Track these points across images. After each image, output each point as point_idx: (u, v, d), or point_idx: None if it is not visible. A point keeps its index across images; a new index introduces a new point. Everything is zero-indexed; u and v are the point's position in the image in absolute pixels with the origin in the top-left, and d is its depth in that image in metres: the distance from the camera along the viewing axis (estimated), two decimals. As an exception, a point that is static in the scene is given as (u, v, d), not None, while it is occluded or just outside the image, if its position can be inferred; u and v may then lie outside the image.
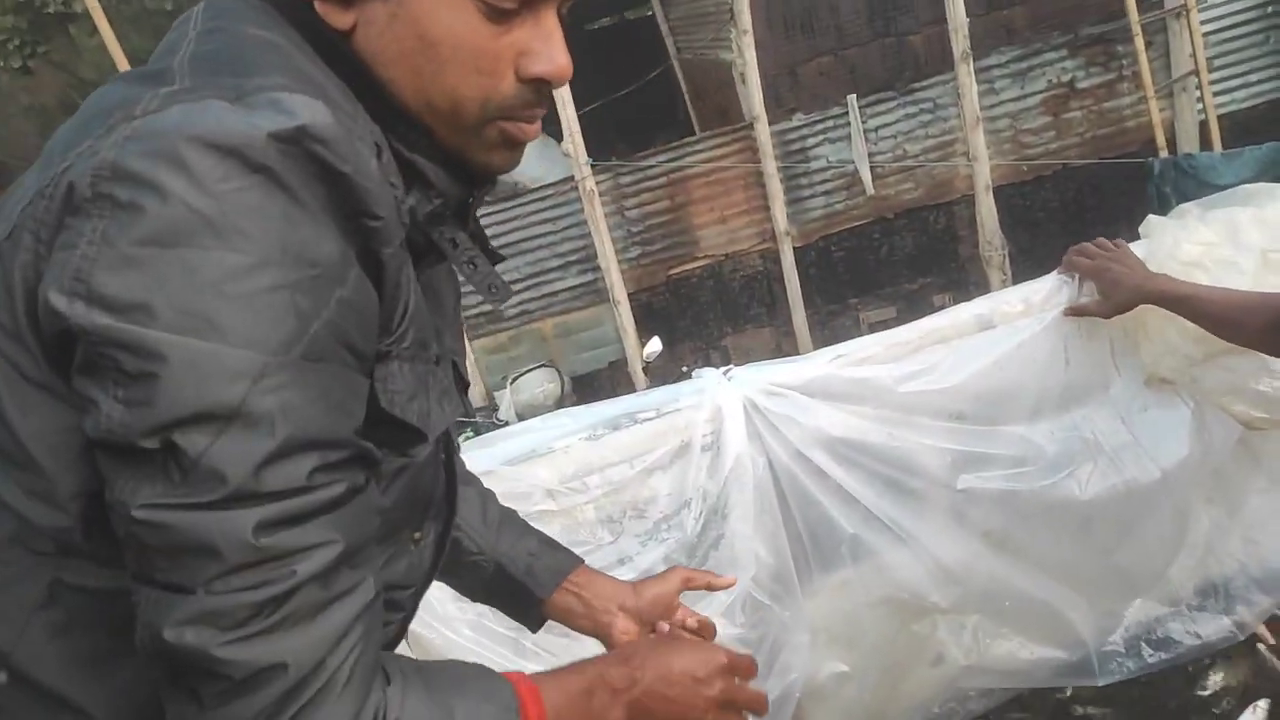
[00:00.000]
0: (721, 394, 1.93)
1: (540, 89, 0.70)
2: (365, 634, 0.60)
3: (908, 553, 1.88)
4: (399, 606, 0.81)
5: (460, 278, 0.81)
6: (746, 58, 6.51)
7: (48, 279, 0.55)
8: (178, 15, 0.71)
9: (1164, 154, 6.32)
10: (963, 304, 1.85)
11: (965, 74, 6.45)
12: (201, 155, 0.54)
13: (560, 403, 6.95)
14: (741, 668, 0.90)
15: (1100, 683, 1.92)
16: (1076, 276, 1.72)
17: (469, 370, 7.00)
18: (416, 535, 0.80)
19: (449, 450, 0.85)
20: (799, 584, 1.99)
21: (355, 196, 0.59)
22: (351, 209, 0.59)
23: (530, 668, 1.78)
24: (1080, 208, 6.99)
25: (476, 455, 2.00)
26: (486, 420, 7.04)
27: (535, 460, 1.90)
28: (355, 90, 0.67)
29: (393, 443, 0.69)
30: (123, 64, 5.93)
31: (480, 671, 0.73)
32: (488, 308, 7.26)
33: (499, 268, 0.80)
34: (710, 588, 1.19)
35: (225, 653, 0.54)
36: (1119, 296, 1.62)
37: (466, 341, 7.19)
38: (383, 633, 0.75)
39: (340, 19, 0.67)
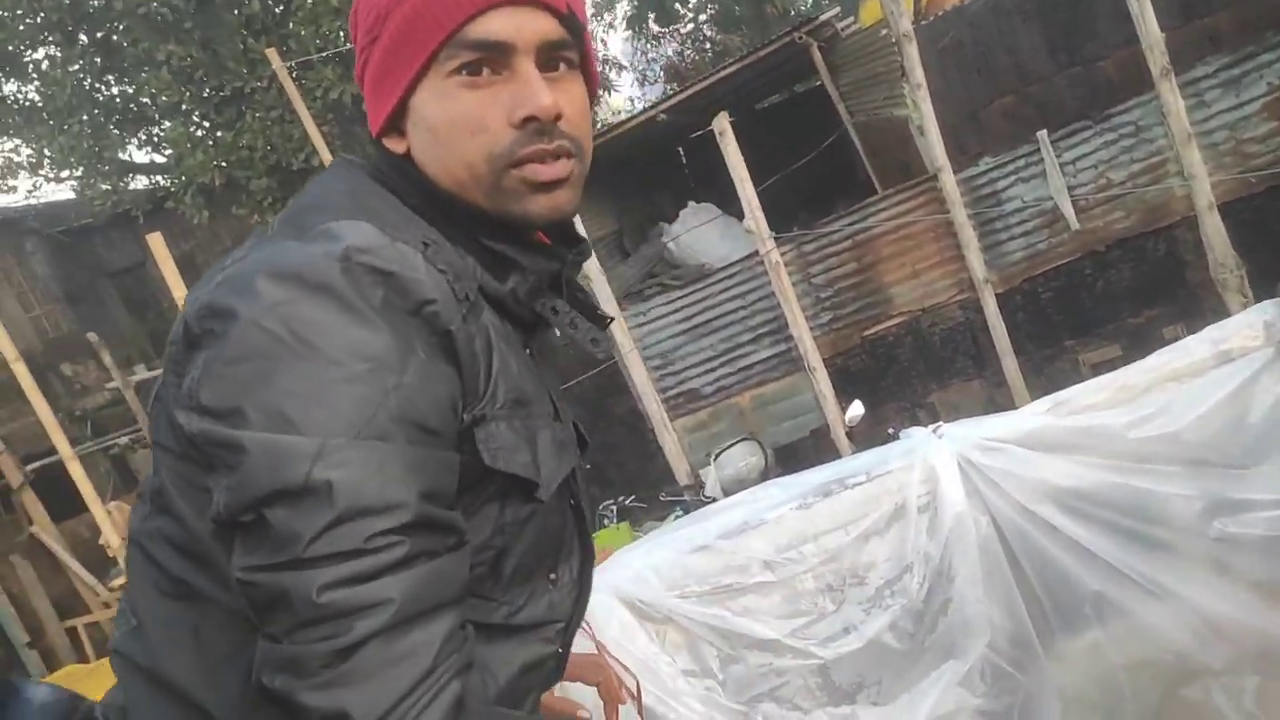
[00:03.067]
0: (933, 453, 1.89)
1: (538, 129, 0.78)
2: (436, 686, 0.66)
3: (1164, 609, 1.73)
4: (549, 640, 0.87)
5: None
6: (923, 111, 6.41)
7: (174, 402, 0.70)
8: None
9: None
10: (1190, 337, 1.73)
11: (1168, 91, 6.01)
12: (268, 284, 0.67)
13: (765, 475, 6.90)
14: None
15: None
16: None
17: (673, 450, 7.03)
18: (552, 576, 0.87)
19: (576, 496, 0.90)
20: (1041, 648, 1.87)
21: (408, 290, 0.69)
22: (409, 302, 0.69)
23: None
24: (1329, 214, 6.24)
25: (690, 531, 2.06)
26: (694, 499, 7.11)
27: (749, 532, 1.93)
28: (432, 214, 0.80)
29: (515, 493, 0.78)
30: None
31: None
32: (684, 388, 7.42)
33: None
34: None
35: (302, 698, 0.63)
36: None
37: (667, 422, 7.34)
38: (533, 675, 0.84)
39: (398, 145, 0.82)
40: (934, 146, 6.46)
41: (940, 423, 1.99)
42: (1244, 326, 1.65)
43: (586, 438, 0.96)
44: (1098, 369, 6.90)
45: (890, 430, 6.15)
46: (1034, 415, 1.94)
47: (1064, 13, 7.20)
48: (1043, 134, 6.49)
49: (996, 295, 6.64)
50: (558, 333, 0.89)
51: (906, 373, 7.09)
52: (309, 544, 0.63)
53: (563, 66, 0.81)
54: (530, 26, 0.77)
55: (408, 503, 0.66)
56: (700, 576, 1.87)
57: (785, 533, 1.88)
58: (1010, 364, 6.61)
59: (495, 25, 0.76)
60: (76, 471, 6.44)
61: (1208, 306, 6.52)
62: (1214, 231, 6.17)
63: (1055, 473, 1.82)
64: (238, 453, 0.64)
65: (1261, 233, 6.35)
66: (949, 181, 6.50)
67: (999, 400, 6.84)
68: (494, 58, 0.77)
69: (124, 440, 9.03)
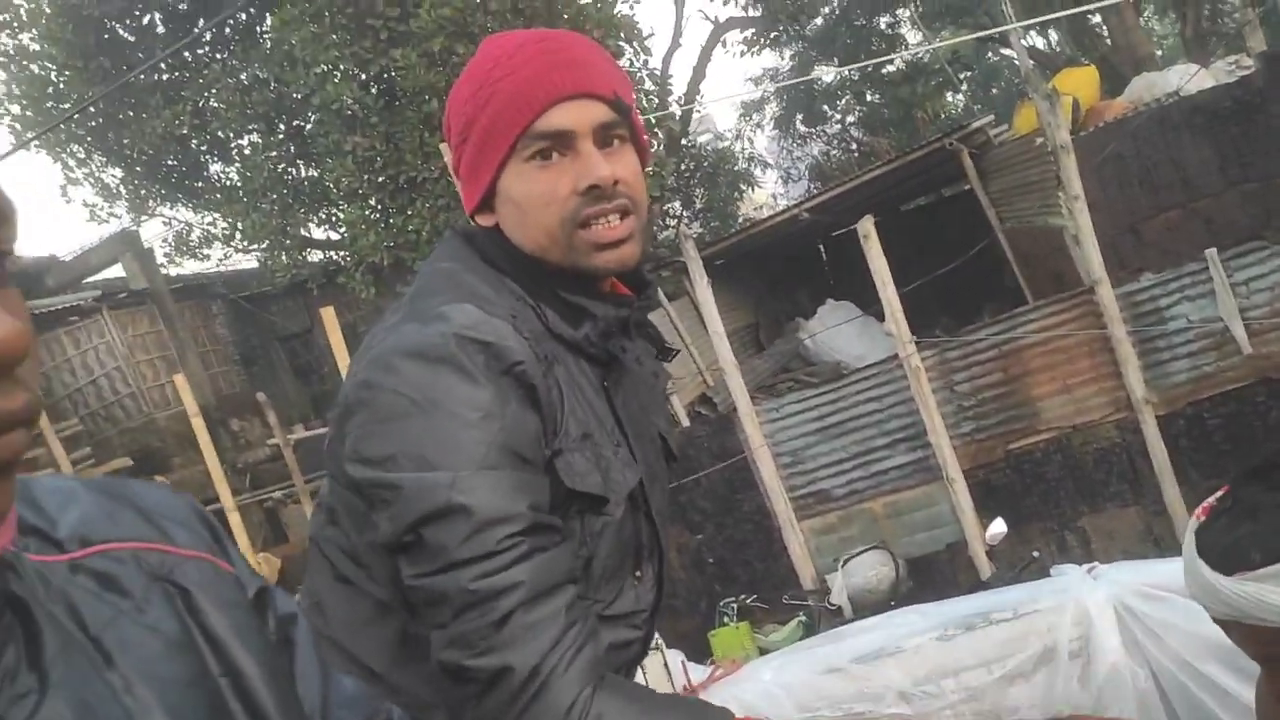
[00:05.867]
0: (1087, 595, 1.80)
1: (599, 194, 0.95)
2: (574, 646, 0.84)
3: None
4: (637, 627, 1.05)
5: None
6: (1079, 221, 6.24)
7: (341, 453, 0.91)
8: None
9: None
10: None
11: (1357, 212, 5.62)
12: (401, 360, 0.88)
13: (895, 587, 6.63)
14: None
15: None
16: None
17: (799, 552, 6.86)
18: (637, 574, 1.05)
19: (648, 509, 1.06)
20: (1207, 824, 1.72)
21: (502, 355, 0.89)
22: (503, 364, 0.89)
23: None
24: None
25: (823, 651, 2.03)
26: (819, 604, 6.87)
27: (885, 659, 1.88)
28: (518, 274, 0.99)
29: (589, 509, 0.96)
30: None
31: (702, 703, 0.88)
32: (814, 489, 7.27)
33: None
34: None
35: (471, 663, 0.82)
36: None
37: (794, 522, 7.19)
38: (622, 653, 1.02)
39: (488, 220, 1.02)
40: (1090, 258, 6.24)
41: (1095, 563, 1.91)
42: None
43: (675, 452, 1.15)
44: (1273, 505, 6.30)
45: (1035, 553, 5.83)
46: (1202, 564, 1.83)
47: (1236, 128, 6.90)
48: (1212, 252, 6.16)
49: (1157, 417, 6.25)
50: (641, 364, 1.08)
51: (1054, 492, 6.71)
52: (455, 550, 0.83)
53: (616, 142, 0.99)
54: (586, 114, 0.95)
55: (521, 513, 0.86)
56: (832, 700, 1.84)
57: (924, 664, 1.83)
58: (1171, 492, 6.17)
59: (557, 118, 0.95)
60: (235, 521, 6.91)
61: (1406, 446, 5.91)
62: None
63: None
64: (394, 490, 0.85)
65: None
66: (1107, 295, 6.24)
67: (1158, 531, 6.36)
68: (560, 143, 0.95)
69: (278, 495, 9.62)
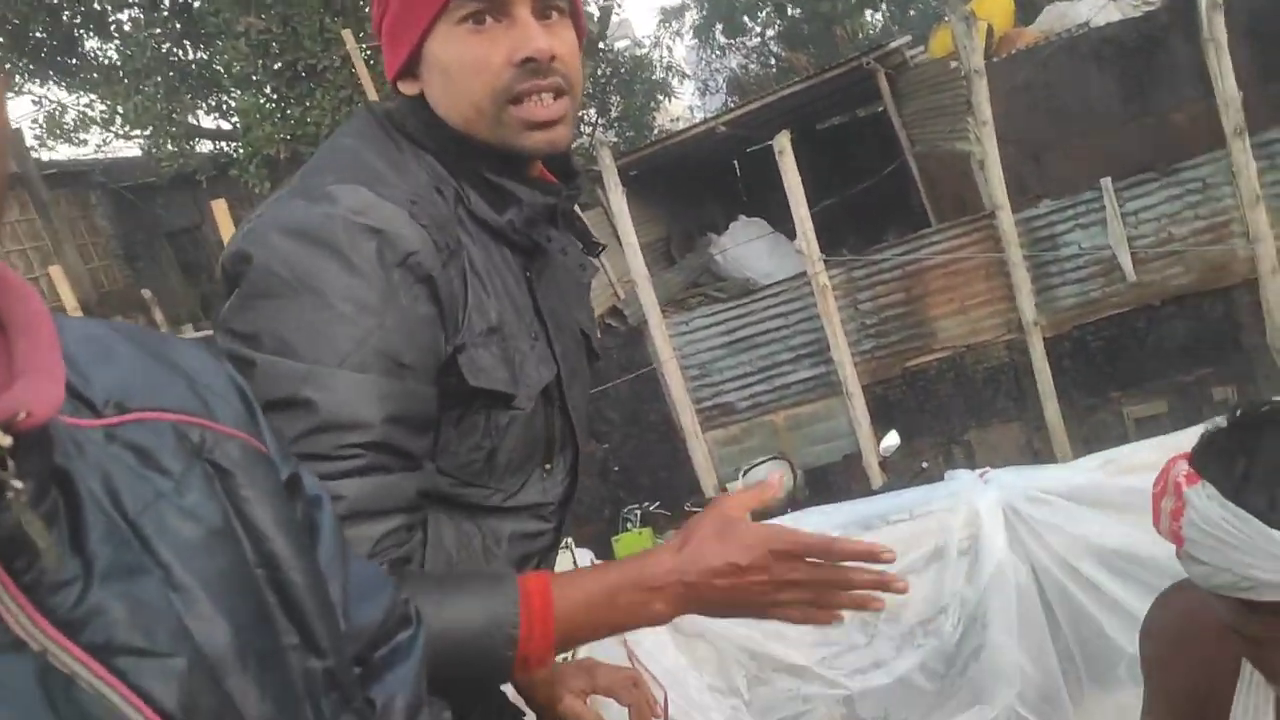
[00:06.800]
0: (979, 498, 1.90)
1: (534, 68, 0.88)
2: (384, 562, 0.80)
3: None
4: (545, 519, 1.02)
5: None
6: (986, 147, 6.38)
7: (217, 325, 0.86)
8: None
9: None
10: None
11: (1240, 150, 5.92)
12: (279, 237, 0.81)
13: (792, 496, 6.89)
14: (811, 548, 0.82)
15: None
16: None
17: (702, 461, 6.98)
18: (547, 466, 1.01)
19: (564, 402, 1.01)
20: (1070, 704, 1.87)
21: (393, 243, 0.82)
22: (396, 255, 0.82)
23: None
24: (1397, 290, 6.10)
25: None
26: (719, 512, 7.11)
27: (787, 557, 1.95)
28: (439, 150, 0.91)
29: (495, 404, 0.91)
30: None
31: (491, 572, 0.86)
32: (719, 401, 7.43)
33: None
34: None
35: None
36: None
37: (699, 432, 7.35)
38: (530, 543, 0.99)
39: (411, 88, 0.94)
40: (994, 184, 6.41)
41: (988, 468, 2.00)
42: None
43: (598, 351, 1.11)
44: (1142, 424, 6.79)
45: (924, 465, 6.09)
46: (1084, 470, 1.94)
47: (1140, 61, 7.11)
48: (1106, 181, 6.42)
49: (1044, 339, 6.57)
50: (566, 255, 1.02)
51: (945, 408, 7.03)
52: (291, 444, 0.75)
53: (555, 14, 0.91)
54: None
55: (372, 424, 0.80)
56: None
57: (824, 561, 1.90)
58: (1052, 409, 6.54)
59: None
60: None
61: (1261, 372, 6.40)
62: (1275, 296, 6.06)
63: (1101, 530, 1.82)
64: (250, 366, 0.79)
65: (1324, 302, 6.22)
66: (1006, 220, 6.45)
67: (1037, 445, 6.77)
68: (495, 6, 0.88)
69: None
